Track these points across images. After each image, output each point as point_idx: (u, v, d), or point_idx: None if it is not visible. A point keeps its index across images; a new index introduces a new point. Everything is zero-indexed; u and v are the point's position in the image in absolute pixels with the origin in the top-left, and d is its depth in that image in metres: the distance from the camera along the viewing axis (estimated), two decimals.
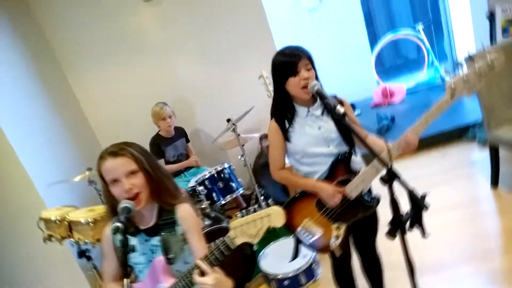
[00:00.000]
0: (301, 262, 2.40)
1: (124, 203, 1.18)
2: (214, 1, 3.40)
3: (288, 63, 1.53)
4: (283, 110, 1.63)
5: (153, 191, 1.28)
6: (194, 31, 3.48)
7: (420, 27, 5.36)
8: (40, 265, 2.96)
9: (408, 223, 1.32)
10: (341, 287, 1.92)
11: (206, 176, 2.79)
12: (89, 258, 2.40)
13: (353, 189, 1.58)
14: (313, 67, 1.58)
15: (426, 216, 1.28)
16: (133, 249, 1.21)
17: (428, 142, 3.66)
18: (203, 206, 2.62)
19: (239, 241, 1.09)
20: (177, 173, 3.29)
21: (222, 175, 2.82)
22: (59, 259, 2.92)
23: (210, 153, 3.70)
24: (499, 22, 3.15)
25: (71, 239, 2.25)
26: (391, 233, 1.36)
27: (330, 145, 1.61)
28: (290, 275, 2.35)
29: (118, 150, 1.24)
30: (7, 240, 2.95)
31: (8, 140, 2.62)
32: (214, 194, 2.77)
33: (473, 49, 3.89)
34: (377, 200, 1.64)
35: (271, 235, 2.91)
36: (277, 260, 2.50)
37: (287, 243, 2.57)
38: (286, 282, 2.37)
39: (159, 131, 3.27)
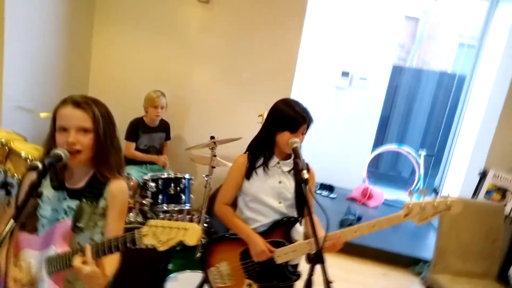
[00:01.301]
0: None
1: (58, 150, 1.13)
2: (256, 32, 3.51)
3: (295, 121, 1.56)
4: (262, 150, 1.65)
5: (95, 157, 1.24)
6: (225, 45, 3.55)
7: (423, 153, 5.55)
8: None
9: None
10: None
11: (163, 177, 2.73)
12: (8, 193, 2.28)
13: (282, 255, 1.56)
14: (306, 132, 1.63)
15: None
16: (39, 196, 1.14)
17: (379, 256, 3.66)
18: (144, 202, 2.55)
19: (146, 241, 1.04)
20: (141, 163, 3.23)
21: (178, 183, 2.77)
22: None
23: (180, 159, 3.65)
24: (487, 183, 3.28)
25: (1, 166, 2.16)
26: None
27: (282, 202, 1.60)
28: None
29: (82, 102, 1.21)
30: None
31: (3, 43, 2.57)
32: (160, 196, 2.70)
33: (455, 193, 4.01)
34: (297, 276, 1.61)
35: (191, 263, 2.82)
36: None
37: (200, 277, 2.47)
38: None
39: (144, 116, 3.24)
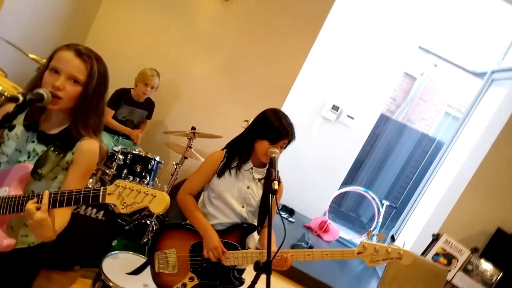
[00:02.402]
0: (137, 287, 2.23)
1: (42, 90, 1.10)
2: (264, 40, 3.53)
3: (277, 133, 1.57)
4: (240, 152, 1.65)
5: (75, 110, 1.20)
6: (231, 44, 3.57)
7: (386, 203, 5.71)
8: None
9: None
10: None
11: (133, 152, 2.68)
12: None
13: (231, 258, 1.56)
14: (285, 148, 1.64)
15: None
16: (11, 129, 1.09)
17: None
18: (107, 171, 2.49)
19: (110, 200, 1.01)
20: (114, 132, 3.16)
21: (146, 162, 2.72)
22: None
23: (155, 141, 3.60)
24: (437, 246, 3.40)
25: None
26: None
27: (245, 206, 1.61)
28: None
29: (85, 53, 1.18)
30: None
31: None
32: (125, 171, 2.64)
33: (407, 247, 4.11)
34: (241, 282, 1.60)
35: (135, 246, 2.75)
36: (120, 269, 2.31)
37: (140, 261, 2.42)
38: None
39: (132, 88, 3.19)
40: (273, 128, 1.57)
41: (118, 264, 2.36)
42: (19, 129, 1.20)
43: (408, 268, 2.73)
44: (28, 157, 1.19)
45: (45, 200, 1.03)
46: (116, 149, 2.74)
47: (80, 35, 3.59)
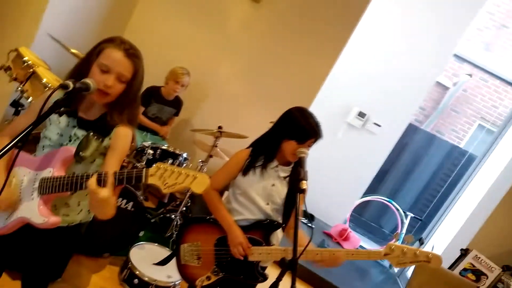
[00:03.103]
0: (162, 277, 2.29)
1: (90, 80, 1.16)
2: (294, 43, 3.55)
3: (306, 133, 1.57)
4: (265, 151, 1.66)
5: (116, 102, 1.27)
6: (260, 46, 3.61)
7: (410, 215, 5.57)
8: None
9: None
10: None
11: (162, 147, 2.76)
12: (17, 112, 2.31)
13: (255, 253, 1.57)
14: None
15: None
16: (61, 114, 1.16)
17: None
18: (137, 164, 2.57)
19: (152, 180, 1.04)
20: (143, 129, 3.26)
21: (175, 158, 2.79)
22: None
23: (182, 138, 3.68)
24: (466, 261, 3.29)
25: (21, 86, 2.19)
26: None
27: (269, 204, 1.62)
28: (145, 278, 2.23)
29: (134, 55, 1.25)
30: None
31: None
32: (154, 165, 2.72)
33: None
34: (264, 278, 1.62)
35: (159, 239, 2.82)
36: (146, 259, 2.38)
37: (165, 253, 2.48)
38: (136, 281, 2.24)
39: (162, 86, 3.28)
40: (301, 128, 1.58)
41: (145, 254, 2.43)
42: (63, 117, 1.27)
43: (434, 280, 2.66)
44: (70, 141, 1.26)
45: (110, 179, 1.08)
46: (146, 144, 2.83)
47: (117, 33, 3.73)
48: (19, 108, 2.31)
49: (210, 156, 2.98)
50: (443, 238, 4.28)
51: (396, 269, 5.08)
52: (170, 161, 2.70)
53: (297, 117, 1.61)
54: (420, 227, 5.62)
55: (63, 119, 1.28)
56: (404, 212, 5.63)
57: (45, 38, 2.63)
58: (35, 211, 1.18)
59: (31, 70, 2.17)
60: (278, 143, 1.62)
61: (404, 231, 5.50)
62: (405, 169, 6.49)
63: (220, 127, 2.90)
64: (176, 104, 3.41)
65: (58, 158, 1.22)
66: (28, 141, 1.27)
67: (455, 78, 7.35)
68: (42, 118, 1.05)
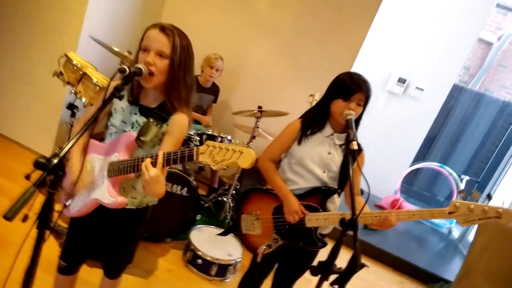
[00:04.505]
0: (223, 255, 2.39)
1: (140, 65, 1.22)
2: (324, 17, 3.50)
3: (348, 87, 1.55)
4: (317, 119, 1.66)
5: (166, 84, 1.31)
6: (291, 24, 3.58)
7: (465, 178, 5.33)
8: (32, 90, 3.09)
9: (333, 276, 1.32)
10: None
11: (208, 132, 2.84)
12: (73, 114, 2.47)
13: (313, 219, 1.60)
14: (364, 106, 1.61)
15: None
16: (121, 98, 1.24)
17: (399, 265, 3.61)
18: None
19: (202, 158, 1.10)
20: None
21: (220, 141, 2.86)
22: (52, 97, 3.04)
23: (224, 123, 3.76)
24: None
25: (73, 88, 2.33)
26: (314, 271, 1.36)
27: (326, 172, 1.63)
28: (207, 258, 2.35)
29: (168, 28, 1.28)
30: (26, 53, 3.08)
31: None
32: None
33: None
34: (323, 243, 1.64)
35: (215, 222, 2.93)
36: (206, 240, 2.50)
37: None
38: (199, 261, 2.36)
39: (199, 75, 3.35)
40: (345, 83, 1.57)
41: (204, 236, 2.55)
42: (124, 103, 1.37)
43: (501, 240, 2.54)
44: (132, 127, 1.35)
45: (160, 159, 1.16)
46: (191, 132, 2.92)
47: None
48: (75, 110, 2.46)
49: (253, 137, 3.03)
50: (504, 198, 4.08)
51: (456, 235, 4.92)
52: (219, 139, 2.77)
53: (342, 77, 1.61)
54: (478, 189, 5.37)
55: (126, 107, 1.36)
56: (458, 176, 5.40)
57: (88, 41, 2.78)
58: (105, 193, 1.29)
59: (81, 72, 2.30)
60: (328, 107, 1.61)
61: (460, 197, 5.28)
62: (454, 132, 6.20)
63: (260, 107, 2.93)
64: (214, 90, 3.48)
65: (122, 143, 1.31)
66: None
67: (499, 32, 6.86)
68: (105, 102, 1.13)
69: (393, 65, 5.19)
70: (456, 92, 5.99)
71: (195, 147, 1.13)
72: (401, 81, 5.17)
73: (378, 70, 5.17)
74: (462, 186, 5.24)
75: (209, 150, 1.10)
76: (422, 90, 5.18)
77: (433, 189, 6.40)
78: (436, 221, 5.21)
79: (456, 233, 5.00)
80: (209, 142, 1.11)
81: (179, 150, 1.16)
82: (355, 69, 3.63)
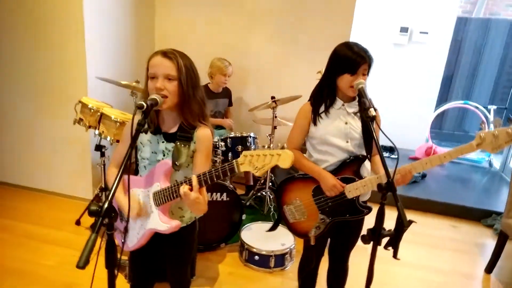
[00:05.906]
0: (277, 246, 2.48)
1: (154, 95, 1.30)
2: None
3: (353, 61, 1.56)
4: (325, 96, 1.70)
5: (179, 104, 1.38)
6: (280, 4, 3.60)
7: (492, 108, 5.21)
8: (59, 140, 3.28)
9: (385, 240, 1.37)
10: (302, 277, 1.99)
11: (231, 136, 2.92)
12: (102, 154, 2.60)
13: (352, 190, 1.65)
14: (368, 73, 1.64)
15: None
16: (146, 131, 1.32)
17: (448, 210, 3.61)
18: (216, 159, 2.77)
19: (244, 168, 1.17)
20: None
21: (245, 141, 2.94)
22: (78, 143, 3.20)
23: (243, 122, 3.83)
24: None
25: (96, 130, 2.45)
26: (365, 239, 1.42)
27: (349, 141, 1.67)
28: (263, 252, 2.44)
29: (169, 53, 1.35)
30: (43, 110, 3.25)
31: (83, 21, 2.90)
32: (230, 154, 2.89)
33: None
34: (369, 209, 1.69)
35: (260, 217, 3.03)
36: (257, 236, 2.60)
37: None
38: (256, 257, 2.46)
39: (209, 83, 3.42)
40: (348, 58, 1.57)
41: (254, 233, 2.65)
42: (148, 135, 1.45)
43: None
44: (163, 155, 1.43)
45: (195, 182, 1.24)
46: (215, 139, 3.02)
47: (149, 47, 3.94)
48: (103, 150, 2.60)
49: (275, 127, 3.09)
50: None
51: (498, 166, 4.84)
52: (253, 147, 2.93)
53: (341, 50, 1.61)
54: (507, 115, 5.23)
55: (153, 139, 1.44)
56: (485, 108, 5.28)
57: (95, 81, 2.90)
58: (157, 221, 1.38)
59: (99, 113, 2.43)
60: (334, 83, 1.64)
61: (492, 126, 5.16)
62: (469, 66, 6.03)
63: (273, 97, 2.99)
64: (227, 94, 3.55)
65: (160, 172, 1.39)
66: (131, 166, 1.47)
67: None
68: (134, 139, 1.21)
69: (392, 16, 5.09)
70: (462, 24, 5.81)
71: (234, 160, 1.19)
72: (404, 30, 5.06)
73: (379, 24, 5.07)
74: (491, 116, 5.12)
75: (247, 160, 1.16)
76: (427, 33, 5.06)
77: (463, 127, 6.27)
78: (474, 157, 5.13)
79: (497, 164, 4.91)
80: (246, 152, 1.17)
81: (219, 167, 1.22)
82: (354, 32, 3.60)
